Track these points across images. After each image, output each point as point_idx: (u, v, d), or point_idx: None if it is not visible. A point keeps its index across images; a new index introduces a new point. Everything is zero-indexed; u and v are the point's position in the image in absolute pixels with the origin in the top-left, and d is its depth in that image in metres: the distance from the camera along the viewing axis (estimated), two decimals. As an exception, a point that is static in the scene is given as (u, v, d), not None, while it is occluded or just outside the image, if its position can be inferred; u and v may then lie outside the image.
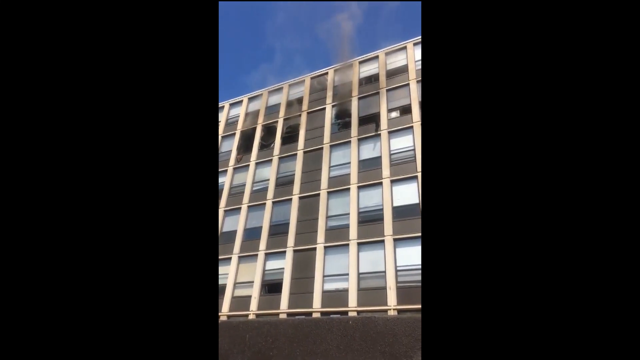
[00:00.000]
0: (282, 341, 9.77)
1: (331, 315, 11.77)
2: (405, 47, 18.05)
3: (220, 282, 16.27)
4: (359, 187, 15.58)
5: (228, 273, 16.47)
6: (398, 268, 13.41)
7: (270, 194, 17.44)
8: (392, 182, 14.95)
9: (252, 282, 15.73)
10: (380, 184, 15.15)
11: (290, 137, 18.73)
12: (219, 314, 14.83)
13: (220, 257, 17.06)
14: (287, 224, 16.26)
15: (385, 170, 15.28)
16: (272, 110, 20.31)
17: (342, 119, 17.85)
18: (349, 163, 16.29)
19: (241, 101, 21.70)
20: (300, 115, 18.95)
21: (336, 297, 13.79)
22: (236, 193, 18.54)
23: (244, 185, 18.48)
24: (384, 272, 13.47)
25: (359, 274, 13.96)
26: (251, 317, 14.93)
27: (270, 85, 21.30)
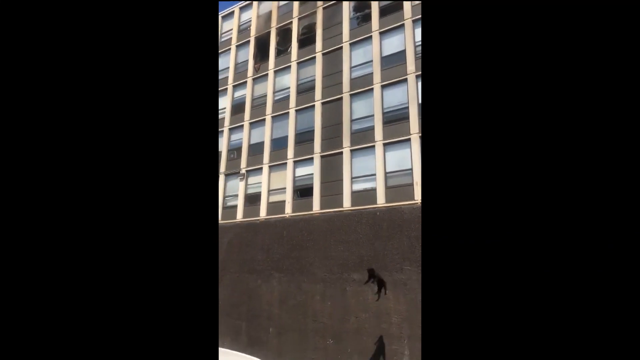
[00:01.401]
0: (316, 234, 10.71)
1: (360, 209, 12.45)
2: None
3: (255, 190, 17.35)
4: (383, 87, 14.94)
5: (261, 182, 17.40)
6: (425, 164, 13.54)
7: (292, 102, 17.21)
8: (418, 77, 14.15)
9: (285, 188, 16.62)
10: (405, 80, 14.40)
11: (307, 38, 17.59)
12: (258, 217, 16.17)
13: (251, 168, 17.87)
14: (312, 131, 16.35)
15: (410, 65, 14.37)
16: (285, 9, 18.75)
17: (361, 11, 16.27)
18: (371, 61, 15.37)
19: (251, 4, 20.07)
20: (315, 12, 17.43)
21: (365, 196, 14.45)
22: (258, 105, 18.45)
23: (265, 96, 18.23)
24: (411, 169, 13.68)
25: (385, 173, 14.29)
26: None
27: (279, -19, 19.28)
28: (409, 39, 14.61)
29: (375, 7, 15.68)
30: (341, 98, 15.83)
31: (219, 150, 19.13)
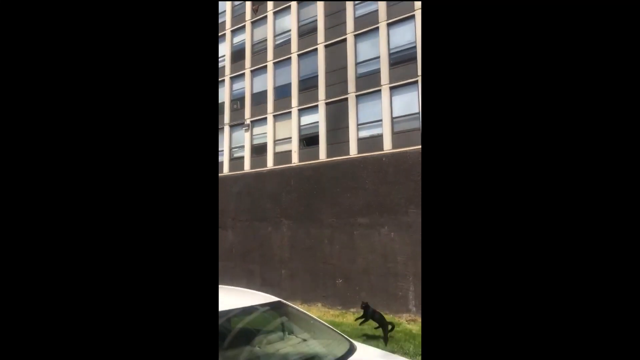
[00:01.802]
0: (323, 182, 10.85)
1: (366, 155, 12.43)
2: None
3: (261, 140, 17.29)
4: (389, 25, 14.08)
5: (266, 132, 17.27)
6: (432, 108, 13.17)
7: (294, 46, 16.45)
8: (427, 12, 13.23)
9: (290, 137, 16.52)
10: (413, 17, 13.50)
11: (306, -26, 16.30)
12: (265, 168, 16.33)
13: (255, 118, 17.64)
14: (315, 77, 15.81)
15: (418, 1, 13.37)
16: (281, -58, 17.19)
17: (364, -61, 14.82)
18: (376, -3, 14.32)
19: (244, -64, 18.38)
20: (314, -58, 15.95)
21: (371, 142, 14.31)
22: (259, 50, 17.70)
23: (266, 40, 17.41)
24: (418, 113, 13.35)
25: (392, 118, 13.99)
26: (294, 167, 16.24)
27: None
28: (417, -31, 13.44)
29: None
30: (345, 39, 15.03)
31: (222, 101, 18.78)
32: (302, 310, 3.74)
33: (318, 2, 15.81)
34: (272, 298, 3.57)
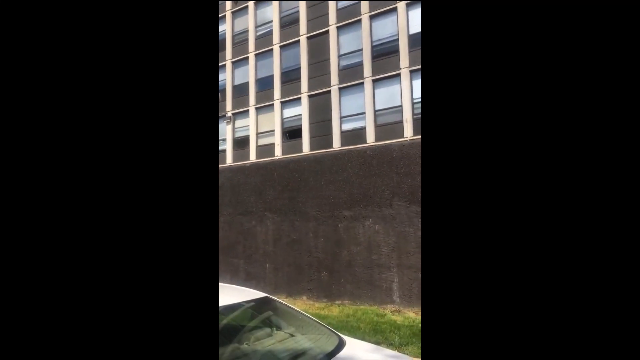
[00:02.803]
0: (307, 175, 10.81)
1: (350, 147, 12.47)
2: None
3: (243, 133, 17.04)
4: (371, 17, 14.04)
5: (248, 125, 17.03)
6: (415, 100, 13.30)
7: (275, 38, 16.19)
8: (408, 5, 13.26)
9: (273, 130, 16.35)
10: (395, 10, 13.52)
11: (288, -37, 16.01)
12: (248, 161, 16.12)
13: (237, 111, 17.34)
14: (298, 69, 15.64)
15: (401, -8, 13.38)
16: None
17: None
18: (359, -12, 14.23)
19: None
20: None
21: (355, 135, 14.34)
22: (240, 41, 17.33)
23: (247, 31, 17.06)
24: (401, 106, 13.45)
25: (375, 111, 14.05)
26: (277, 160, 16.13)
27: None
28: (399, -39, 13.41)
29: None
30: (327, 31, 14.91)
31: (202, 93, 18.34)
32: (290, 305, 3.72)
33: (300, -8, 15.59)
34: (259, 294, 3.53)
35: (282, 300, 3.71)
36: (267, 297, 3.47)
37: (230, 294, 3.42)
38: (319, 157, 11.19)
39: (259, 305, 3.37)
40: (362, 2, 14.15)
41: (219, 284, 4.15)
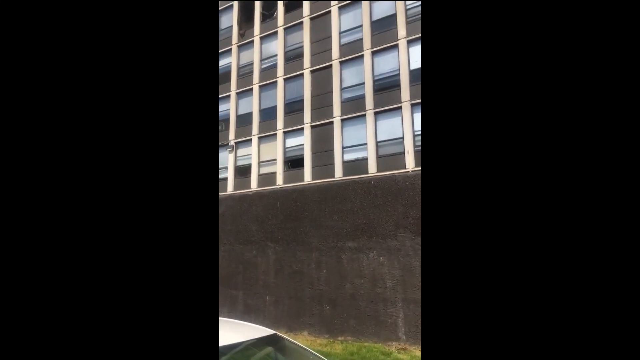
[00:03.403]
0: (310, 204, 10.73)
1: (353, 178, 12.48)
2: None
3: (245, 162, 17.11)
4: (373, 53, 14.55)
5: (251, 154, 17.14)
6: (416, 133, 13.50)
7: (280, 70, 16.67)
8: (409, 42, 13.79)
9: (275, 159, 16.44)
10: (396, 46, 14.04)
11: (293, 3, 16.79)
12: (249, 189, 16.07)
13: (240, 140, 17.52)
14: (301, 101, 15.98)
15: (401, 30, 13.95)
16: (269, -29, 17.73)
17: (350, -28, 15.51)
18: (361, 26, 14.85)
19: (232, -36, 18.89)
20: (301, -27, 16.56)
21: (356, 165, 14.43)
22: (245, 74, 17.82)
23: (252, 64, 17.58)
24: (402, 137, 13.64)
25: (377, 142, 14.22)
26: (278, 190, 16.07)
27: (262, -62, 18.08)
28: (399, 1, 14.09)
29: (364, -33, 14.96)
30: (331, 65, 15.38)
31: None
32: (299, 344, 3.53)
33: (304, 29, 16.22)
34: (266, 331, 3.34)
35: (291, 339, 3.53)
36: (275, 334, 3.28)
37: (236, 331, 3.25)
38: (322, 186, 11.17)
39: (268, 343, 3.19)
40: (364, 39, 14.71)
41: (225, 319, 3.95)
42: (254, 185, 16.88)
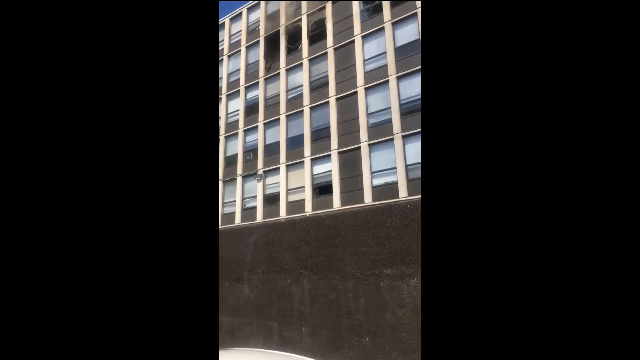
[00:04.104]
0: (344, 230, 10.55)
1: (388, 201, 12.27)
2: None
3: (273, 190, 17.27)
4: (398, 78, 14.71)
5: (279, 182, 17.31)
6: (447, 154, 13.29)
7: (306, 100, 17.08)
8: (435, 65, 13.88)
9: (303, 187, 16.50)
10: (419, 71, 14.15)
11: (317, 34, 17.43)
12: (278, 218, 16.09)
13: (268, 168, 17.79)
14: (327, 128, 16.20)
15: (426, 54, 14.11)
16: (293, 7, 18.61)
17: (371, 2, 16.04)
18: (385, 53, 15.14)
19: (258, 3, 19.99)
20: (324, 7, 17.26)
21: (386, 190, 14.24)
22: (272, 105, 18.36)
23: (279, 95, 18.13)
24: (433, 160, 13.44)
25: (406, 165, 14.06)
26: (308, 217, 16.00)
27: (286, -21, 19.16)
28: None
29: (386, -2, 15.44)
30: (356, 92, 15.63)
31: (235, 152, 19.13)
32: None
33: (329, 59, 16.69)
34: None
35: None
36: None
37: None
38: (356, 211, 11.01)
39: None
40: (388, 64, 14.94)
41: (266, 351, 3.80)
42: (282, 212, 16.90)
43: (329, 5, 17.14)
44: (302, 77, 17.44)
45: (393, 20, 15.11)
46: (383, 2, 15.52)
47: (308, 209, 16.07)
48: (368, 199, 14.57)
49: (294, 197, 16.79)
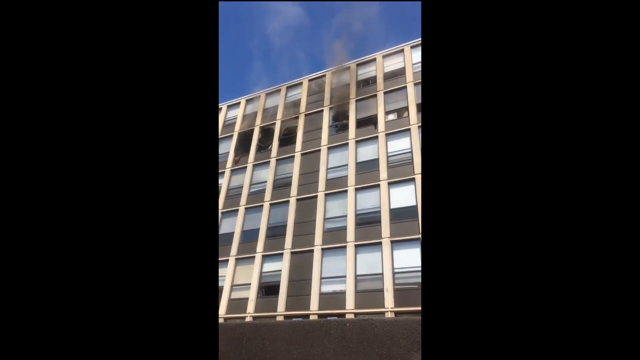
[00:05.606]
0: (279, 343, 9.72)
1: (328, 318, 11.75)
2: (402, 50, 18.12)
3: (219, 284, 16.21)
4: (357, 189, 15.59)
5: (225, 275, 16.39)
6: (395, 270, 13.41)
7: (267, 195, 17.42)
8: (390, 184, 14.97)
9: (249, 284, 15.67)
10: (378, 186, 15.17)
11: (288, 139, 18.73)
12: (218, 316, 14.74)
13: (221, 259, 16.99)
14: (284, 226, 16.23)
15: (383, 173, 15.31)
16: (269, 112, 20.31)
17: (339, 121, 17.88)
18: (347, 165, 16.30)
19: (239, 103, 21.69)
20: (298, 117, 18.97)
21: (333, 299, 13.77)
22: (233, 195, 18.50)
23: (242, 187, 18.44)
24: (382, 274, 13.45)
25: (356, 276, 13.94)
26: (248, 319, 14.89)
27: (268, 87, 21.32)
28: (382, 149, 15.87)
29: (352, 119, 17.32)
30: (316, 196, 16.22)
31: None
32: None
33: (295, 162, 17.66)
34: None
35: None
36: None
37: None
38: (294, 324, 10.36)
39: None
40: (349, 176, 15.94)
41: None
42: (222, 311, 15.58)
43: (302, 116, 18.88)
44: (268, 174, 18.08)
45: (357, 139, 16.69)
46: (349, 122, 17.33)
47: (250, 309, 14.98)
48: (314, 306, 13.91)
49: (237, 294, 15.75)
